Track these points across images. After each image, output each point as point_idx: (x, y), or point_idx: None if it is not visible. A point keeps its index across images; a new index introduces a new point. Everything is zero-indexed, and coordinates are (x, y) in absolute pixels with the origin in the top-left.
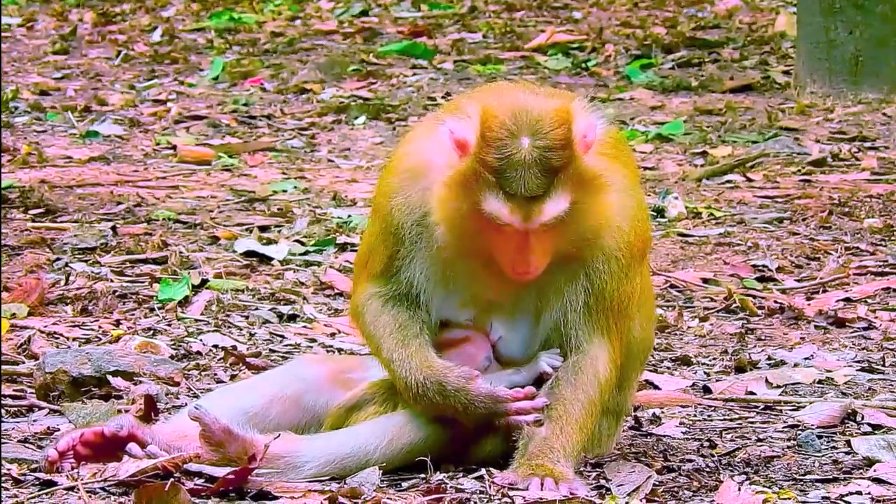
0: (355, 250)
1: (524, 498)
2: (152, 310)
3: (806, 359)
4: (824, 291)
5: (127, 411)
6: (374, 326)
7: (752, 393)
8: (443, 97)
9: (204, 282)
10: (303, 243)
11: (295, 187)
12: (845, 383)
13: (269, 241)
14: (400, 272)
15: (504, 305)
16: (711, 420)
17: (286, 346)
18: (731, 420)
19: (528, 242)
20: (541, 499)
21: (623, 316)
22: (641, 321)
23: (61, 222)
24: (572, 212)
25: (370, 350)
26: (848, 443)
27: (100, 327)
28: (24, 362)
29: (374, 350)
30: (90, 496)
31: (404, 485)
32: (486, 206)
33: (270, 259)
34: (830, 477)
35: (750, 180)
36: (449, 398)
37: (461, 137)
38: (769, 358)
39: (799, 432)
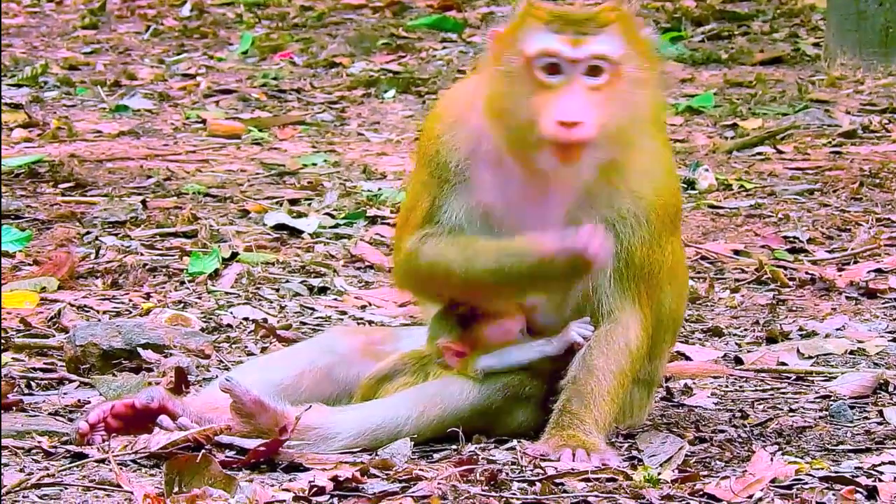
0: (385, 223)
1: (556, 469)
2: (182, 283)
3: (837, 329)
4: (855, 262)
5: (157, 384)
6: (436, 254)
7: (783, 364)
8: (472, 70)
9: (234, 255)
10: (333, 216)
11: (325, 161)
12: (877, 354)
13: (300, 215)
14: (443, 219)
15: None
16: (743, 391)
17: (317, 318)
18: (762, 391)
19: (577, 87)
20: (573, 469)
21: (654, 284)
22: (673, 294)
23: (91, 196)
24: (620, 80)
25: (437, 279)
26: (880, 413)
27: (130, 300)
28: (54, 336)
29: (444, 271)
30: (121, 468)
31: (436, 456)
32: (533, 46)
33: (300, 232)
34: (863, 447)
35: (780, 152)
36: (525, 259)
37: (500, 31)
38: (801, 329)
39: (831, 403)
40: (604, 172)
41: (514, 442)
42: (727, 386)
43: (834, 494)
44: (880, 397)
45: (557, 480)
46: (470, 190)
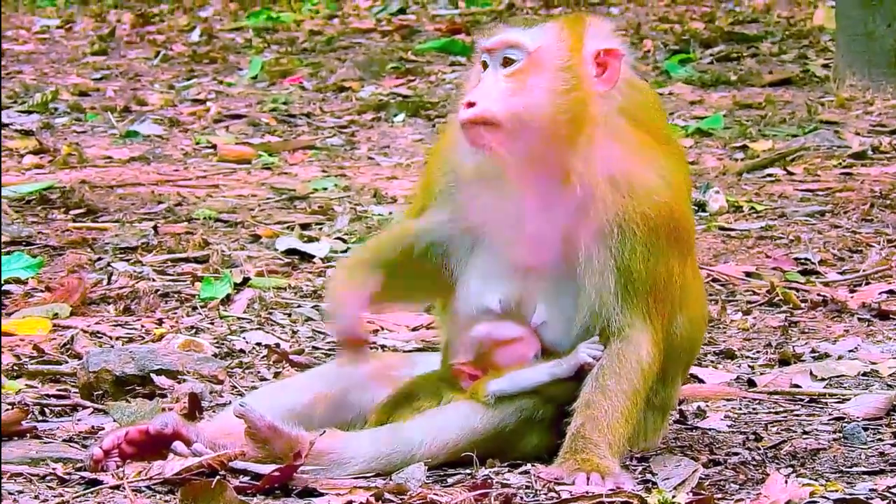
0: None
1: (570, 492)
2: (194, 308)
3: (850, 351)
4: (867, 284)
5: (171, 409)
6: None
7: (796, 386)
8: None
9: (246, 280)
10: (344, 241)
11: (335, 185)
12: (890, 375)
13: (311, 239)
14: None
15: (542, 279)
16: (756, 413)
17: (329, 343)
18: (776, 413)
19: (488, 75)
20: (587, 493)
21: (663, 300)
22: (686, 322)
23: (102, 222)
24: (536, 69)
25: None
26: (894, 434)
27: (142, 326)
28: (67, 362)
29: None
30: (136, 495)
31: (450, 480)
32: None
33: (312, 257)
34: (877, 469)
35: (791, 174)
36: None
37: None
38: (813, 351)
39: (844, 425)
40: (563, 177)
41: (529, 466)
42: (740, 408)
43: None
44: (894, 419)
45: None
46: (456, 211)
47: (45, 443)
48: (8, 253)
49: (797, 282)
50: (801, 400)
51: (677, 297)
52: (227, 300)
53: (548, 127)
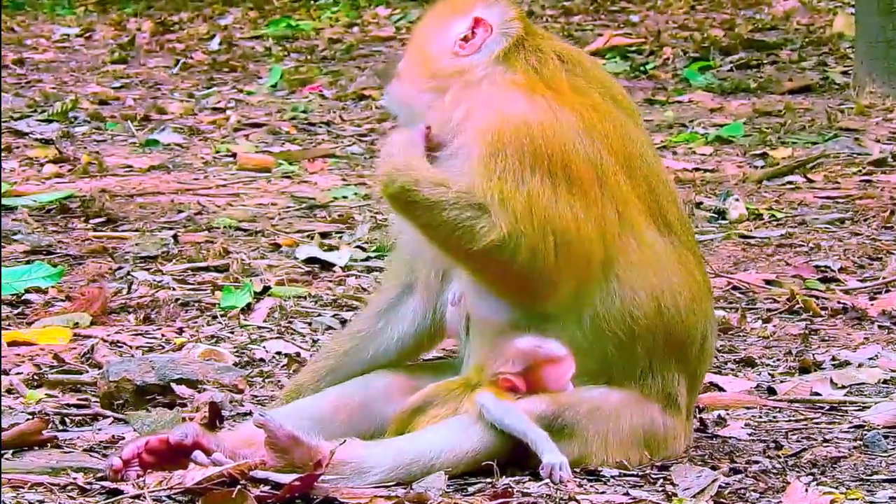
0: None
1: (591, 501)
2: (215, 317)
3: (870, 359)
4: (887, 291)
5: (191, 419)
6: None
7: (816, 394)
8: None
9: (266, 289)
10: (364, 249)
11: (355, 193)
12: None
13: (331, 248)
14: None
15: None
16: (777, 421)
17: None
18: (796, 421)
19: None
20: (607, 502)
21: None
22: (621, 288)
23: (122, 231)
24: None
25: None
26: None
27: (163, 335)
28: (87, 371)
29: None
30: None
31: (471, 489)
32: None
33: (332, 265)
34: None
35: (810, 181)
36: None
37: None
38: (833, 358)
39: (865, 432)
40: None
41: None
42: (761, 416)
43: None
44: None
45: None
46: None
47: (65, 452)
48: (28, 262)
49: (817, 289)
50: (822, 408)
51: (589, 247)
52: (248, 309)
53: (422, 85)
